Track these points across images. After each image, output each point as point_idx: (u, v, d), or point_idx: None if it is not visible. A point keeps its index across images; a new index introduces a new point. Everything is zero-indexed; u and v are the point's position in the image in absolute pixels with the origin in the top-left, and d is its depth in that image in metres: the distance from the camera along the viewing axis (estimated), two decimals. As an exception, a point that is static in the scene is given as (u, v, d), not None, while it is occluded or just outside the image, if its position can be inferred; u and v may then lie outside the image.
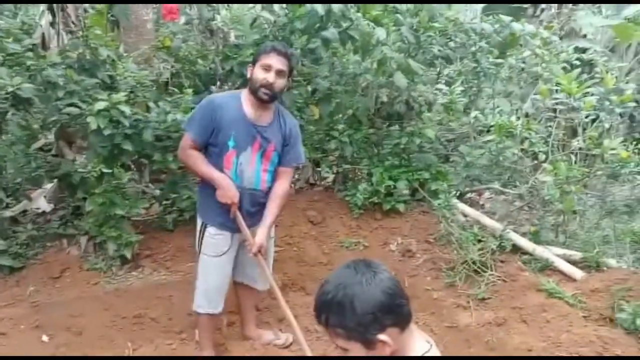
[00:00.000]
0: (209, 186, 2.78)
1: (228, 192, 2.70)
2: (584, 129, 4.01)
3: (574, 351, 2.89)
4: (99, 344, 3.23)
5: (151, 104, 3.81)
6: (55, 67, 3.52)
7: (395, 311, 1.33)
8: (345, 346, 1.33)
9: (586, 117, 3.96)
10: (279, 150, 2.84)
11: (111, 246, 3.83)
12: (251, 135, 2.73)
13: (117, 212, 3.74)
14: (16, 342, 3.14)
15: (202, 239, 2.90)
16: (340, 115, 4.66)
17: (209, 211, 2.85)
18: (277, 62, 2.66)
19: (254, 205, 2.86)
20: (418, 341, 1.41)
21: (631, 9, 6.52)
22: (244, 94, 2.77)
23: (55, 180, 4.35)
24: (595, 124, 3.92)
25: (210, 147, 2.78)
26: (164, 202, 4.44)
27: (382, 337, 1.30)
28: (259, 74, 2.67)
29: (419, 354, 1.37)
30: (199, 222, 2.93)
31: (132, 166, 4.27)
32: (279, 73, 2.67)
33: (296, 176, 5.07)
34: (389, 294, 1.32)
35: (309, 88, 4.42)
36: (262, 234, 2.76)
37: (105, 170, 3.57)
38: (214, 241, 2.86)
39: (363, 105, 4.48)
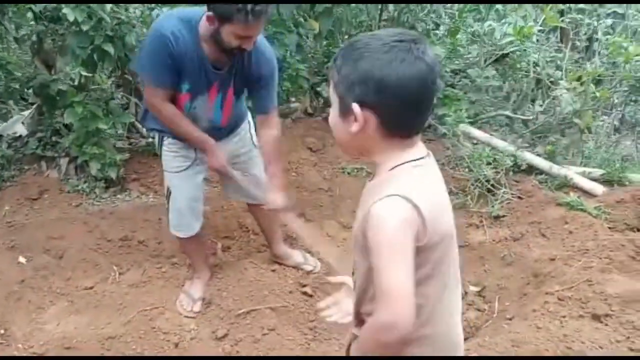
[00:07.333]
0: None
1: (219, 158, 2.38)
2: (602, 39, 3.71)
3: (604, 255, 2.64)
4: (81, 267, 2.99)
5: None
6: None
7: (393, 108, 1.06)
8: (331, 96, 1.15)
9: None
10: (242, 90, 2.40)
11: (94, 166, 3.50)
12: (208, 80, 2.25)
13: (99, 127, 3.41)
14: (-11, 262, 2.84)
15: (161, 153, 2.51)
16: (341, 35, 4.33)
17: None
18: (257, 29, 2.05)
19: (213, 129, 2.43)
20: (409, 154, 1.13)
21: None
22: (203, 26, 2.12)
23: (34, 106, 4.03)
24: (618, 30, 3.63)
25: None
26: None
27: (355, 107, 1.06)
28: (231, 40, 2.04)
29: (403, 166, 1.12)
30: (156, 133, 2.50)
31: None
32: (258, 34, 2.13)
33: (292, 106, 4.75)
34: (412, 86, 1.04)
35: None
36: (274, 196, 2.37)
37: (85, 74, 3.21)
38: (173, 155, 2.47)
39: (366, 19, 4.15)
